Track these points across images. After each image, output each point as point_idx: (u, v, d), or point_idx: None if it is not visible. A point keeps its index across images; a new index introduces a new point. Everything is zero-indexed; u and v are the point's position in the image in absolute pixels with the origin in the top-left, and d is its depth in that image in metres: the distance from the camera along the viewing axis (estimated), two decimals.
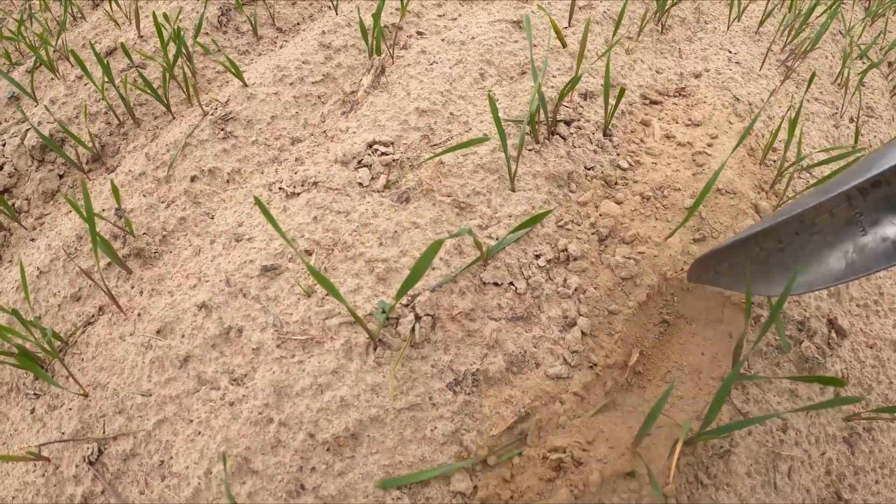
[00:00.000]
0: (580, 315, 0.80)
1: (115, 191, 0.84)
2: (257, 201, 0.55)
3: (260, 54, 1.25)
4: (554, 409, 0.72)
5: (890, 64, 1.69)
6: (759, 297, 0.91)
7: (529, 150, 0.93)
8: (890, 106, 1.53)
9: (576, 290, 0.81)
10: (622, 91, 0.93)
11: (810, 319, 0.96)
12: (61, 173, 1.20)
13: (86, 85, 1.26)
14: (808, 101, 1.35)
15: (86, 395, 0.88)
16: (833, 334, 0.97)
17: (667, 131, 1.10)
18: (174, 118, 1.15)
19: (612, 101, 1.02)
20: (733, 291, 0.82)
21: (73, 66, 1.34)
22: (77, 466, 0.83)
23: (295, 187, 0.90)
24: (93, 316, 0.97)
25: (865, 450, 0.91)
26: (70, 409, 0.89)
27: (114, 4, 1.44)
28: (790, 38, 1.44)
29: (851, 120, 1.40)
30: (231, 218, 0.92)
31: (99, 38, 1.41)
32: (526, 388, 0.74)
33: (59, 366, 0.91)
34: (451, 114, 0.97)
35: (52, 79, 1.39)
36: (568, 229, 0.87)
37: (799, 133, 1.17)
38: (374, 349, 0.74)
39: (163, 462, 0.79)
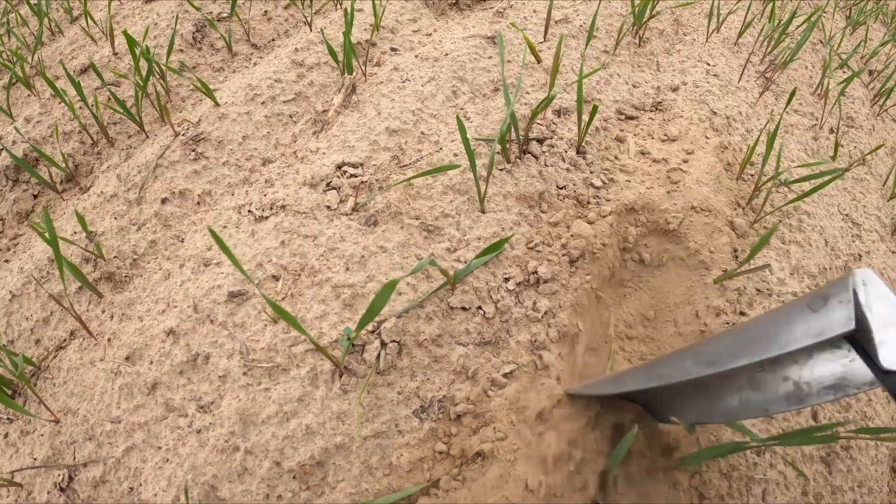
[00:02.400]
0: (550, 339, 0.80)
1: (80, 219, 0.83)
2: (213, 234, 0.55)
3: (234, 71, 1.24)
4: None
5: (871, 73, 1.69)
6: None
7: (501, 169, 0.92)
8: (871, 115, 1.53)
9: (545, 313, 0.81)
10: (595, 109, 0.93)
11: None
12: (35, 193, 1.19)
13: (60, 103, 1.26)
14: (786, 112, 1.35)
15: (57, 422, 0.88)
16: None
17: (642, 147, 1.10)
18: (148, 137, 1.15)
19: (585, 118, 1.02)
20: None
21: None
22: (49, 493, 0.83)
23: (264, 210, 0.89)
24: (64, 340, 0.97)
25: (843, 469, 0.90)
26: (42, 435, 0.89)
27: (90, 20, 1.43)
28: (769, 49, 1.44)
29: (832, 131, 1.40)
30: (200, 241, 0.91)
31: (75, 54, 1.40)
32: (494, 415, 0.73)
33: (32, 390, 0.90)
34: (422, 133, 0.97)
35: (28, 95, 1.38)
36: (538, 251, 0.87)
37: (779, 147, 1.17)
38: (340, 376, 0.73)
39: (132, 489, 0.79)
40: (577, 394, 0.70)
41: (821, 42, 1.66)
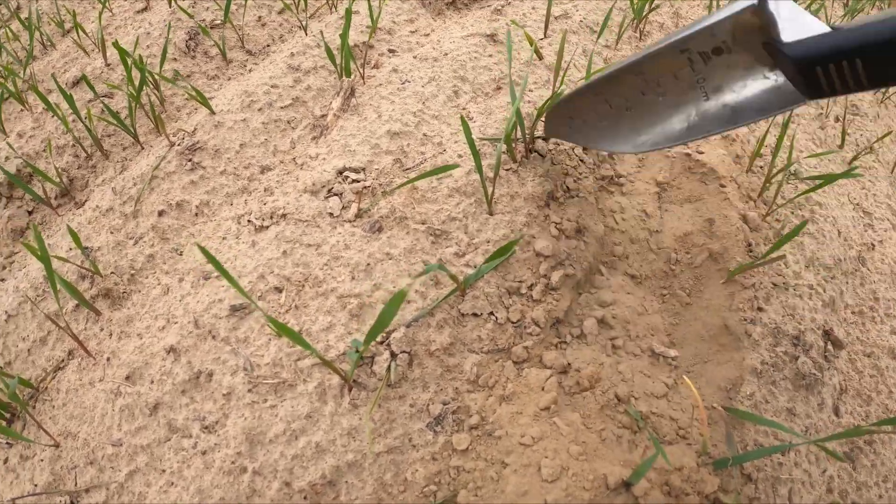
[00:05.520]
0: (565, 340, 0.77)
1: (73, 235, 0.81)
2: (203, 251, 0.52)
3: (229, 79, 1.21)
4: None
5: None
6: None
7: (507, 169, 0.90)
8: (874, 102, 1.51)
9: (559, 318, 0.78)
10: None
11: (805, 332, 0.93)
12: (30, 209, 1.17)
13: (53, 117, 1.23)
14: None
15: (57, 446, 0.85)
16: (829, 346, 0.94)
17: None
18: (143, 148, 1.12)
19: None
20: (584, 146, 0.88)
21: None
22: None
23: (264, 220, 0.86)
24: (63, 360, 0.94)
25: (867, 464, 0.88)
26: (42, 459, 0.86)
27: (81, 32, 1.41)
28: None
29: (837, 119, 1.38)
30: (199, 254, 0.88)
31: (68, 67, 1.37)
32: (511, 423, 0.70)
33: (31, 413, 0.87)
34: (425, 135, 0.94)
35: (21, 110, 1.35)
36: None
37: (790, 138, 1.14)
38: (349, 391, 0.70)
39: None
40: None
41: None
